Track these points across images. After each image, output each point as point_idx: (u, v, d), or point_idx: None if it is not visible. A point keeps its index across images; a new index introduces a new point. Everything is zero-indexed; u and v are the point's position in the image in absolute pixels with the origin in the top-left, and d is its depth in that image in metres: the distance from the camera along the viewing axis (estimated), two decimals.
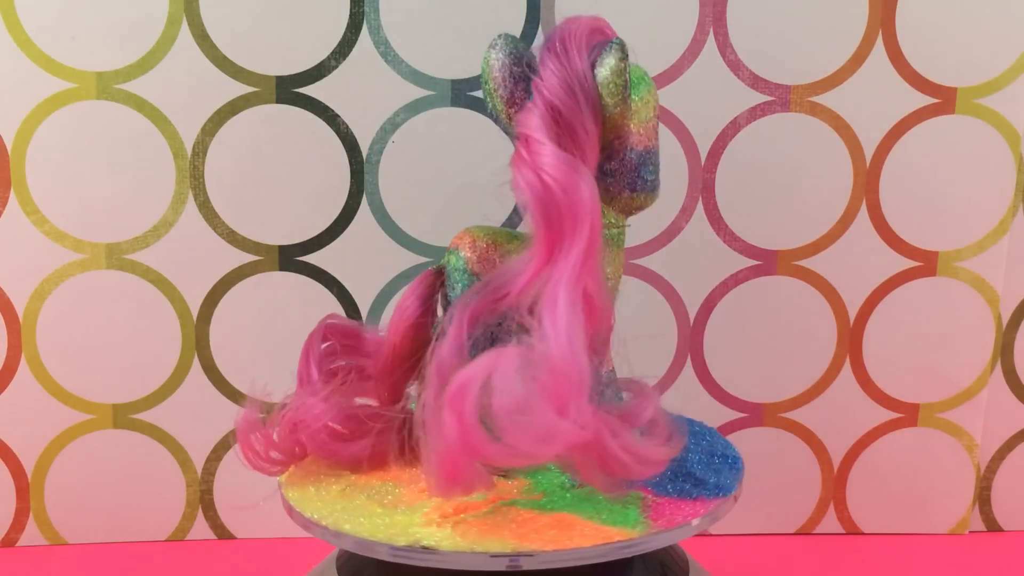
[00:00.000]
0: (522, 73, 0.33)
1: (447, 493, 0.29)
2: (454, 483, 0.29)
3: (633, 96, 0.34)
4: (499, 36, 0.33)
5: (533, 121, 0.31)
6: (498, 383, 0.28)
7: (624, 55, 0.32)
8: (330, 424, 0.36)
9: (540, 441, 0.28)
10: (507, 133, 0.34)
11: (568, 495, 0.34)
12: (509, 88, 0.33)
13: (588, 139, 0.32)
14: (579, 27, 0.33)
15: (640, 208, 0.36)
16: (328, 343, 0.37)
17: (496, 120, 0.34)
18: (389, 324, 0.36)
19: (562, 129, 0.31)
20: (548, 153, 0.30)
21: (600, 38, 0.34)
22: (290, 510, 0.35)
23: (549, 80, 0.32)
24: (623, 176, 0.34)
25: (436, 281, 0.36)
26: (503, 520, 0.32)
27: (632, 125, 0.34)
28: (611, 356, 0.35)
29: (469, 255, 0.35)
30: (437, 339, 0.31)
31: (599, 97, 0.32)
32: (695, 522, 0.32)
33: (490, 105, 0.34)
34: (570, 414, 0.28)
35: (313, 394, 0.35)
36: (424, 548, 0.30)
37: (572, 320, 0.28)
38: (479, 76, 0.52)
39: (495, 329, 0.32)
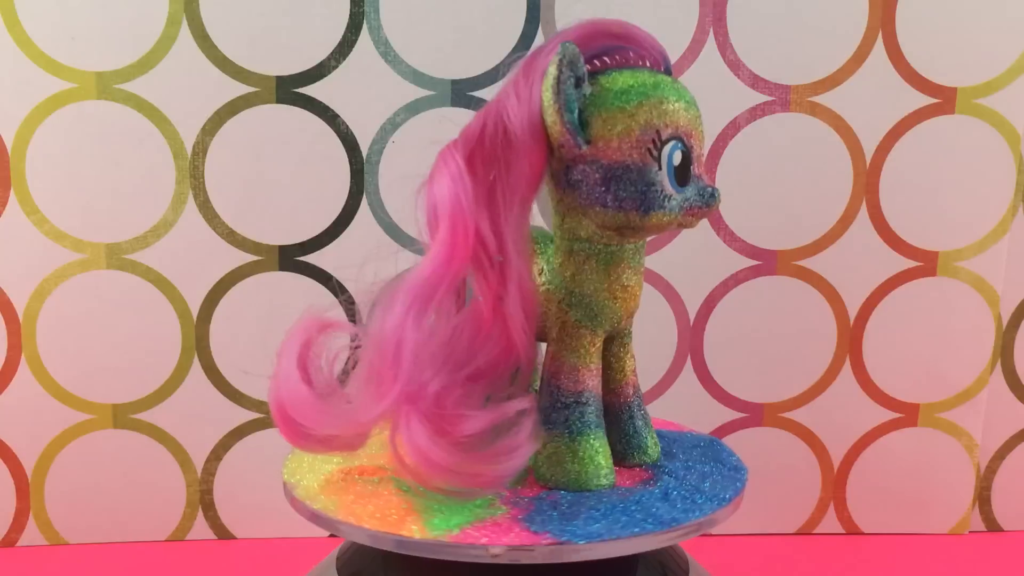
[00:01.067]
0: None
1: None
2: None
3: (613, 105, 0.31)
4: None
5: (464, 131, 0.32)
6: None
7: (561, 63, 0.31)
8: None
9: (354, 416, 0.31)
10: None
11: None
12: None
13: (516, 160, 0.31)
14: (572, 33, 0.32)
15: (629, 228, 0.32)
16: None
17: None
18: None
19: (485, 148, 0.31)
20: (445, 162, 0.31)
21: (604, 43, 0.33)
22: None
23: (496, 102, 0.32)
24: (589, 189, 0.32)
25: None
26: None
27: (594, 136, 0.31)
28: (583, 375, 0.34)
29: None
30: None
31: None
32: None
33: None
34: (377, 388, 0.30)
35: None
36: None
37: (401, 317, 0.30)
38: (479, 76, 0.52)
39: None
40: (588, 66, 0.32)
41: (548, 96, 0.31)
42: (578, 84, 0.31)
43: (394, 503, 0.33)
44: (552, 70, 0.31)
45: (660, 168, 0.31)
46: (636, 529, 0.31)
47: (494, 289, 0.31)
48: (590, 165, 0.31)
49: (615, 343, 0.35)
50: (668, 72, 0.33)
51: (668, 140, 0.31)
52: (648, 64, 0.33)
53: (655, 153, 0.31)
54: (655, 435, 0.37)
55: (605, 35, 0.33)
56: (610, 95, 0.31)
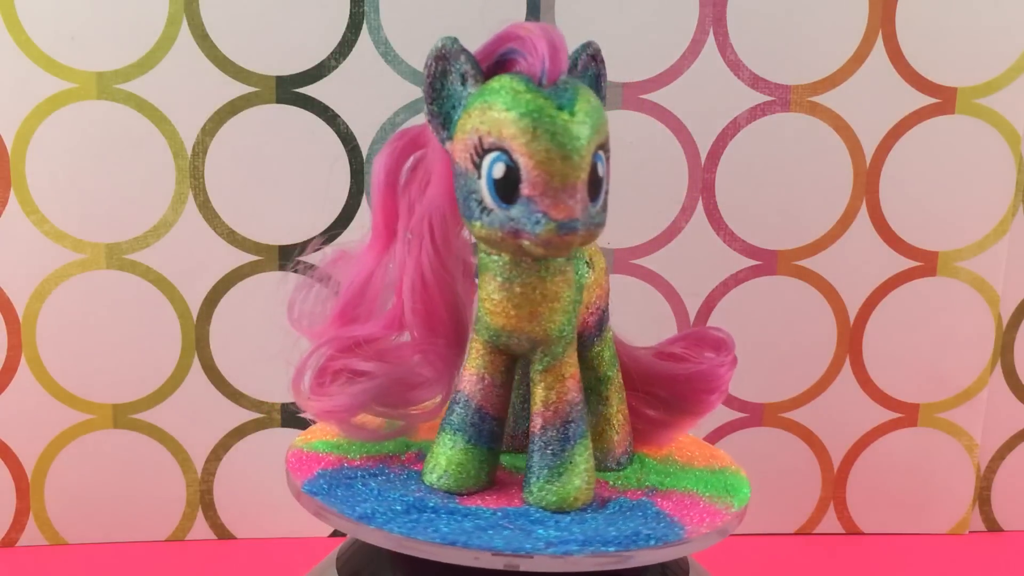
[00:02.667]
0: None
1: None
2: None
3: (468, 106, 0.30)
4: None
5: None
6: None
7: (428, 60, 0.31)
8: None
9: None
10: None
11: None
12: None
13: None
14: (495, 35, 0.32)
15: (486, 242, 0.31)
16: None
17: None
18: None
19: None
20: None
21: (507, 46, 0.31)
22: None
23: None
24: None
25: None
26: None
27: (453, 137, 0.31)
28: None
29: None
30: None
31: None
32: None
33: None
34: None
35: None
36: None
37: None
38: None
39: None
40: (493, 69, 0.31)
41: (424, 85, 0.31)
42: (463, 81, 0.31)
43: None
44: (426, 60, 0.31)
45: (480, 177, 0.30)
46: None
47: (401, 261, 0.34)
48: (454, 165, 0.31)
49: (531, 368, 0.33)
50: (549, 82, 0.30)
51: (490, 150, 0.29)
52: (531, 71, 0.30)
53: (476, 160, 0.30)
54: (568, 481, 0.32)
55: (510, 39, 0.32)
56: (471, 96, 0.30)
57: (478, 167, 0.29)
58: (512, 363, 0.33)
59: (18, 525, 0.55)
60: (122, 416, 0.54)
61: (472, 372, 0.33)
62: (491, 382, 0.33)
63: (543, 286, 0.31)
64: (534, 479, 0.32)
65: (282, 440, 0.54)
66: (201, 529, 0.56)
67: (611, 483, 0.35)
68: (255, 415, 0.55)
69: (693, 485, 0.35)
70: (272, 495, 0.54)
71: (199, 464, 0.55)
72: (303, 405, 0.34)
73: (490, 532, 0.31)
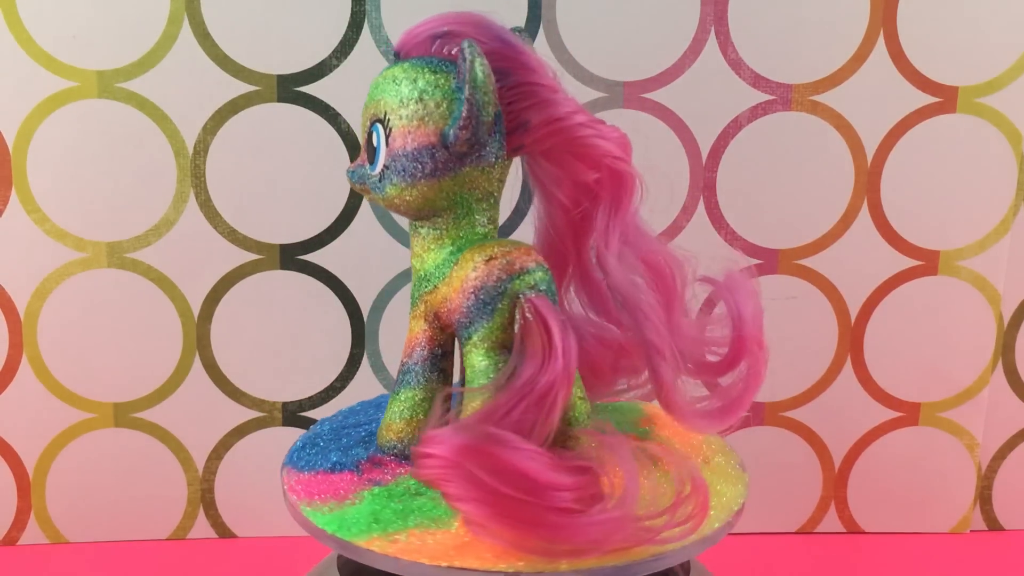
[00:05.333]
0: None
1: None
2: None
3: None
4: (472, 43, 0.32)
5: (575, 105, 0.34)
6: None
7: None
8: None
9: None
10: (478, 141, 0.33)
11: None
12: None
13: None
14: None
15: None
16: None
17: (480, 125, 0.33)
18: (561, 359, 0.32)
19: None
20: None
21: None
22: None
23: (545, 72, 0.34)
24: None
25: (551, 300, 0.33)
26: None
27: None
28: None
29: (540, 259, 0.34)
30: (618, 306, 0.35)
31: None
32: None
33: (485, 113, 0.33)
34: None
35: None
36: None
37: None
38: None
39: None
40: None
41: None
42: None
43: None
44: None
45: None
46: None
47: None
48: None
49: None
50: (403, 55, 0.35)
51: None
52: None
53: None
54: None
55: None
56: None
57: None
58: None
59: (19, 524, 0.55)
60: (123, 415, 0.54)
61: (414, 334, 0.36)
62: (420, 342, 0.36)
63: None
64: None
65: (283, 439, 0.54)
66: (202, 528, 0.56)
67: None
68: (256, 414, 0.55)
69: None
70: (273, 494, 0.54)
71: (200, 463, 0.55)
72: None
73: None
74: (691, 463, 0.35)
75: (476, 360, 0.34)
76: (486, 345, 0.33)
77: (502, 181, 0.35)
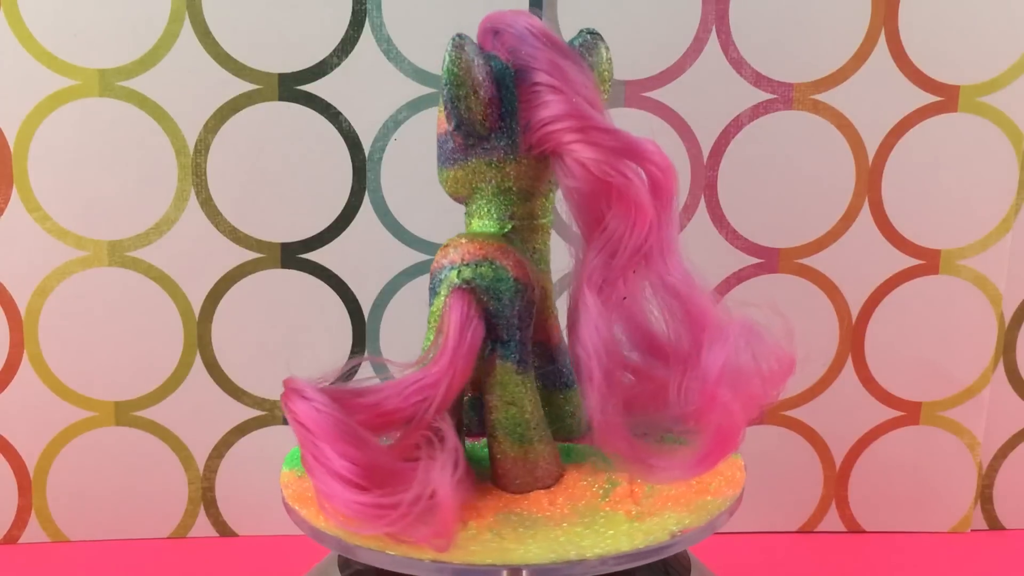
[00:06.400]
0: (489, 72, 0.34)
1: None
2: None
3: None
4: (462, 37, 0.33)
5: (596, 112, 0.34)
6: (745, 358, 0.33)
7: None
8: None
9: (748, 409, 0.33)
10: (474, 134, 0.34)
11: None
12: (490, 89, 0.33)
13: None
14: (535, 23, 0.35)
15: None
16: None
17: (463, 122, 0.34)
18: (447, 358, 0.33)
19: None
20: (645, 141, 0.33)
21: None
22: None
23: (579, 77, 0.34)
24: None
25: (472, 298, 0.34)
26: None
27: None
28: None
29: (507, 263, 0.34)
30: (571, 331, 0.34)
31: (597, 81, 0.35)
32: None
33: (463, 107, 0.33)
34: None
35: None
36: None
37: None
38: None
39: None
40: None
41: (611, 68, 0.37)
42: None
43: None
44: (608, 52, 0.36)
45: None
46: None
47: None
48: None
49: None
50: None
51: None
52: None
53: None
54: None
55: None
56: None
57: None
58: None
59: (20, 522, 0.55)
60: (124, 413, 0.54)
61: None
62: None
63: None
64: None
65: (284, 438, 0.54)
66: (203, 526, 0.56)
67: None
68: (257, 412, 0.55)
69: None
70: (274, 492, 0.54)
71: (201, 461, 0.55)
72: None
73: None
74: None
75: (426, 337, 0.36)
76: (430, 325, 0.35)
77: (523, 178, 0.35)
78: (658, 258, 0.33)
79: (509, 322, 0.34)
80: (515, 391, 0.35)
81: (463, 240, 0.35)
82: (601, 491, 0.35)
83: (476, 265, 0.34)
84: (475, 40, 0.35)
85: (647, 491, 0.35)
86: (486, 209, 0.35)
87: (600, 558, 0.31)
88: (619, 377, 0.34)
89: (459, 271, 0.34)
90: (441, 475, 0.31)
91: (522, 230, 0.36)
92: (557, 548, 0.31)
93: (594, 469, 0.36)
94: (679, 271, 0.34)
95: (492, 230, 0.35)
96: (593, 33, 0.36)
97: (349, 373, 0.34)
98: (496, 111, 0.34)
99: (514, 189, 0.35)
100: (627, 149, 0.33)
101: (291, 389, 0.33)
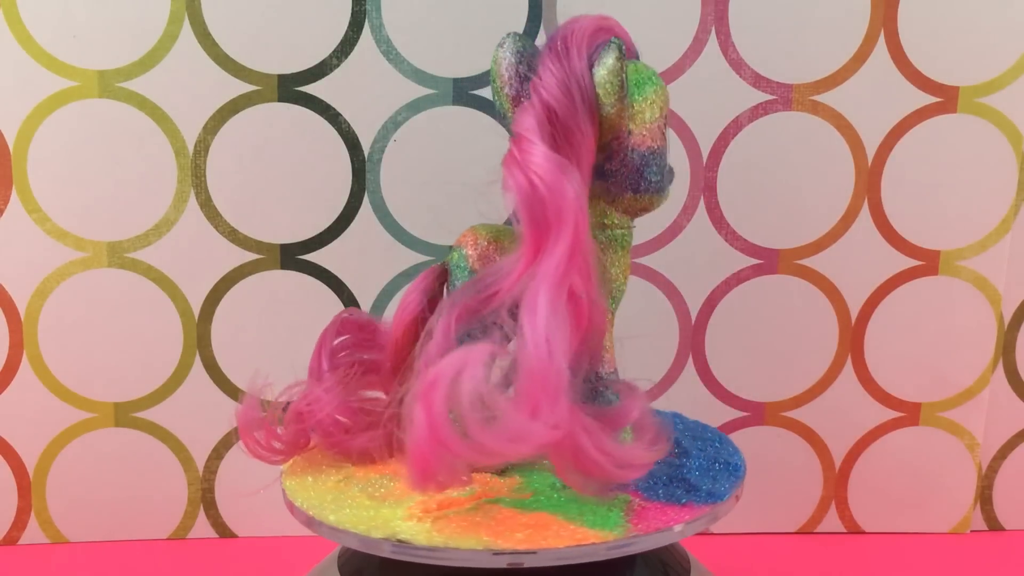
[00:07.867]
0: (528, 73, 0.33)
1: (419, 487, 0.29)
2: (425, 477, 0.28)
3: (636, 96, 0.33)
4: (507, 35, 0.33)
5: (527, 121, 0.31)
6: (467, 380, 0.27)
7: (621, 54, 0.32)
8: (336, 416, 0.36)
9: (510, 441, 0.27)
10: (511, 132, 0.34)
11: (557, 496, 0.34)
12: (515, 87, 0.33)
13: (583, 140, 0.32)
14: (582, 26, 0.33)
15: (646, 210, 0.35)
16: (343, 337, 0.37)
17: (503, 119, 0.34)
18: (393, 319, 0.36)
19: (557, 130, 0.31)
20: (538, 153, 0.30)
21: (605, 37, 0.33)
22: (284, 496, 0.35)
23: (547, 80, 0.32)
24: (625, 177, 0.34)
25: (440, 277, 0.36)
26: (483, 518, 0.32)
27: (633, 125, 0.33)
28: (613, 357, 0.35)
29: (470, 252, 0.35)
30: (425, 336, 0.32)
31: (596, 97, 0.32)
32: (677, 528, 0.32)
33: (497, 103, 0.34)
34: (542, 415, 0.27)
35: (321, 386, 0.36)
36: (399, 542, 0.31)
37: (551, 321, 0.28)
38: (481, 74, 0.52)
39: (487, 326, 0.31)
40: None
41: (614, 83, 0.32)
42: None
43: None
44: (614, 61, 0.32)
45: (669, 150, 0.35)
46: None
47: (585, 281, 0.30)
48: (630, 152, 0.34)
49: None
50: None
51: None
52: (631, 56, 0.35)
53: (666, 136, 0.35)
54: None
55: (601, 31, 0.34)
56: (638, 84, 0.34)
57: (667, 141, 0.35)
58: None
59: (19, 523, 0.55)
60: (124, 414, 0.54)
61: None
62: None
63: None
64: None
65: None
66: (203, 528, 0.56)
67: None
68: None
69: None
70: (274, 494, 0.54)
71: (201, 463, 0.55)
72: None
73: None
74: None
75: None
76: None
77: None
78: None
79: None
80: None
81: (477, 225, 0.36)
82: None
83: (456, 249, 0.35)
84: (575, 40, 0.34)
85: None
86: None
87: None
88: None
89: (450, 254, 0.36)
90: None
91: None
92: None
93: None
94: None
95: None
96: (613, 41, 0.35)
97: None
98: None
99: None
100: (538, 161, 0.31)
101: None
